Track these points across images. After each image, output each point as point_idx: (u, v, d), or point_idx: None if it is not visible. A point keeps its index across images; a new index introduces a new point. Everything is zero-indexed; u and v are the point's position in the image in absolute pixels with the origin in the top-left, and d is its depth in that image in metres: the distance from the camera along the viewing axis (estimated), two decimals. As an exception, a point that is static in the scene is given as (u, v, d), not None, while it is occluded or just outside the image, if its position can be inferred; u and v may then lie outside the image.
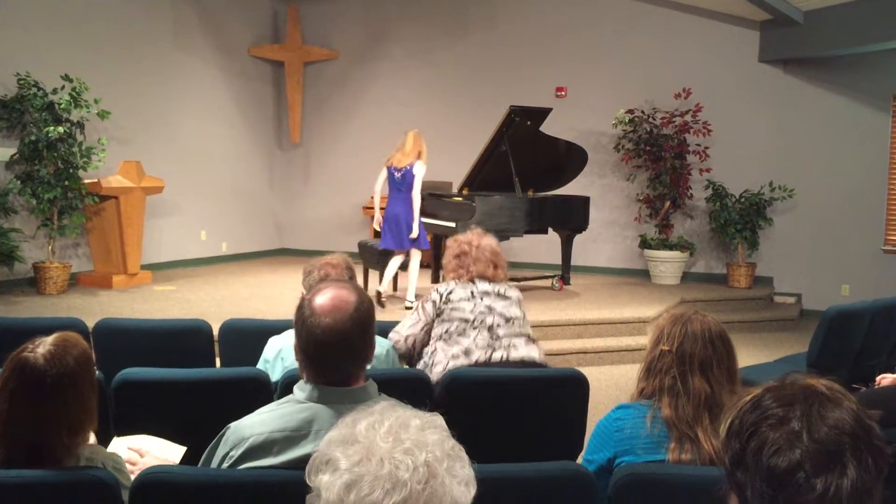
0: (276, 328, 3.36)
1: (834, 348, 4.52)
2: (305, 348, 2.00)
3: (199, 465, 2.09)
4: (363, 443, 1.13)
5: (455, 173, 9.15)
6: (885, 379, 4.09)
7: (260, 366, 3.20)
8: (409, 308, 7.28)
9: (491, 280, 3.75)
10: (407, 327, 3.69)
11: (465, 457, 1.17)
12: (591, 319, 7.35)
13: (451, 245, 3.83)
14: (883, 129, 9.12)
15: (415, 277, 7.54)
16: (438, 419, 1.21)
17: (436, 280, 8.84)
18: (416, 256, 7.50)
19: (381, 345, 3.18)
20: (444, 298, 3.67)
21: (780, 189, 9.28)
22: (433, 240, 8.12)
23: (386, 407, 1.21)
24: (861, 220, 9.18)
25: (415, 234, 7.32)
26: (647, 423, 2.33)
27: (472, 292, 3.70)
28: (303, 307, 2.04)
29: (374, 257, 7.91)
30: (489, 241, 3.83)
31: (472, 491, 1.15)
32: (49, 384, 1.94)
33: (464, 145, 9.51)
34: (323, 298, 2.02)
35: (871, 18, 8.35)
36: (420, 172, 7.25)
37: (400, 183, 7.27)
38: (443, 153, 10.29)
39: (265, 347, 3.23)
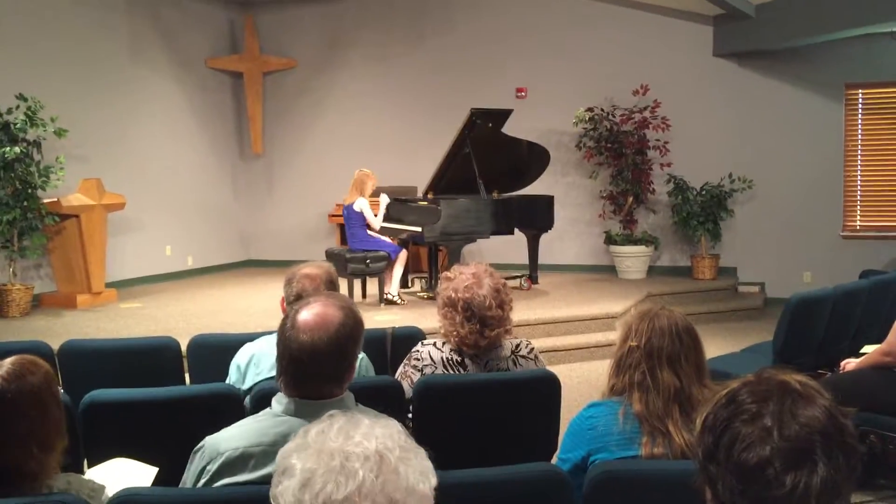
0: (246, 341, 3.26)
1: (798, 335, 4.54)
2: (281, 361, 1.99)
3: (180, 484, 2.05)
4: (314, 446, 1.14)
5: (419, 177, 9.12)
6: (849, 364, 4.15)
7: (231, 372, 3.11)
8: (390, 301, 7.86)
9: (486, 349, 3.02)
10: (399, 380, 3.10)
11: (421, 450, 1.17)
12: (561, 317, 7.28)
13: (444, 284, 3.07)
14: (836, 118, 9.24)
15: (395, 277, 8.08)
16: (392, 420, 1.21)
17: (404, 285, 8.77)
18: (397, 262, 7.98)
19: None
20: (422, 373, 3.05)
21: (739, 180, 9.30)
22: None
23: (338, 413, 1.21)
24: (819, 207, 9.28)
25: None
26: (618, 420, 2.33)
27: (457, 369, 3.02)
28: (287, 319, 2.02)
29: (341, 265, 7.93)
30: (487, 287, 2.98)
31: (432, 481, 1.14)
32: (10, 400, 1.90)
33: (427, 149, 9.47)
34: (307, 314, 1.99)
35: (820, 9, 8.46)
36: (361, 206, 7.91)
37: (346, 218, 8.04)
38: (406, 157, 10.29)
39: (237, 353, 3.12)
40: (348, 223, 7.97)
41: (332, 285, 3.06)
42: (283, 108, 11.39)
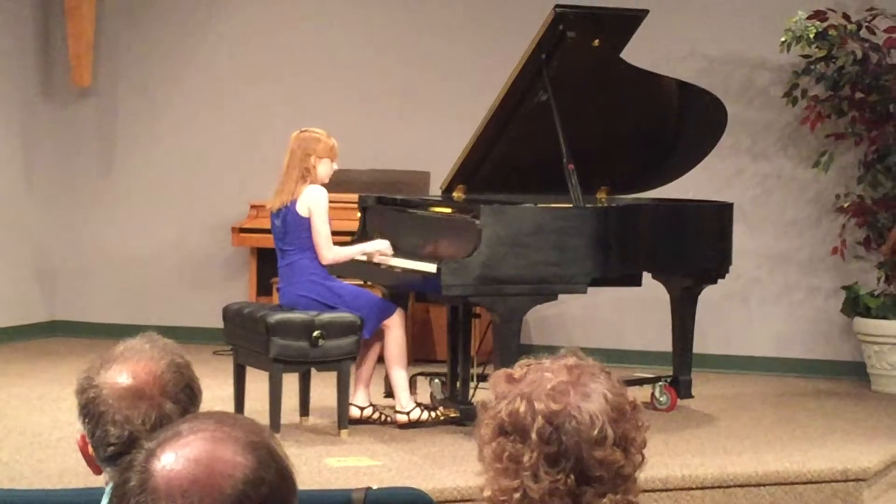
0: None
1: None
2: None
3: None
4: None
5: (436, 157, 6.35)
6: None
7: None
8: (404, 423, 5.48)
9: None
10: None
11: None
12: (742, 476, 5.22)
13: (499, 388, 1.67)
14: None
15: (393, 373, 5.39)
16: None
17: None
18: (388, 335, 5.25)
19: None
20: None
21: None
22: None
23: None
24: None
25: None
26: None
27: None
28: (129, 472, 1.29)
29: (257, 341, 5.05)
30: (599, 400, 1.62)
31: None
32: None
33: (450, 103, 6.78)
34: (174, 461, 1.23)
35: None
36: (310, 204, 5.25)
37: (281, 233, 5.51)
38: (409, 122, 7.16)
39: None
40: (284, 245, 5.41)
41: (187, 394, 1.85)
42: (137, 14, 7.16)
